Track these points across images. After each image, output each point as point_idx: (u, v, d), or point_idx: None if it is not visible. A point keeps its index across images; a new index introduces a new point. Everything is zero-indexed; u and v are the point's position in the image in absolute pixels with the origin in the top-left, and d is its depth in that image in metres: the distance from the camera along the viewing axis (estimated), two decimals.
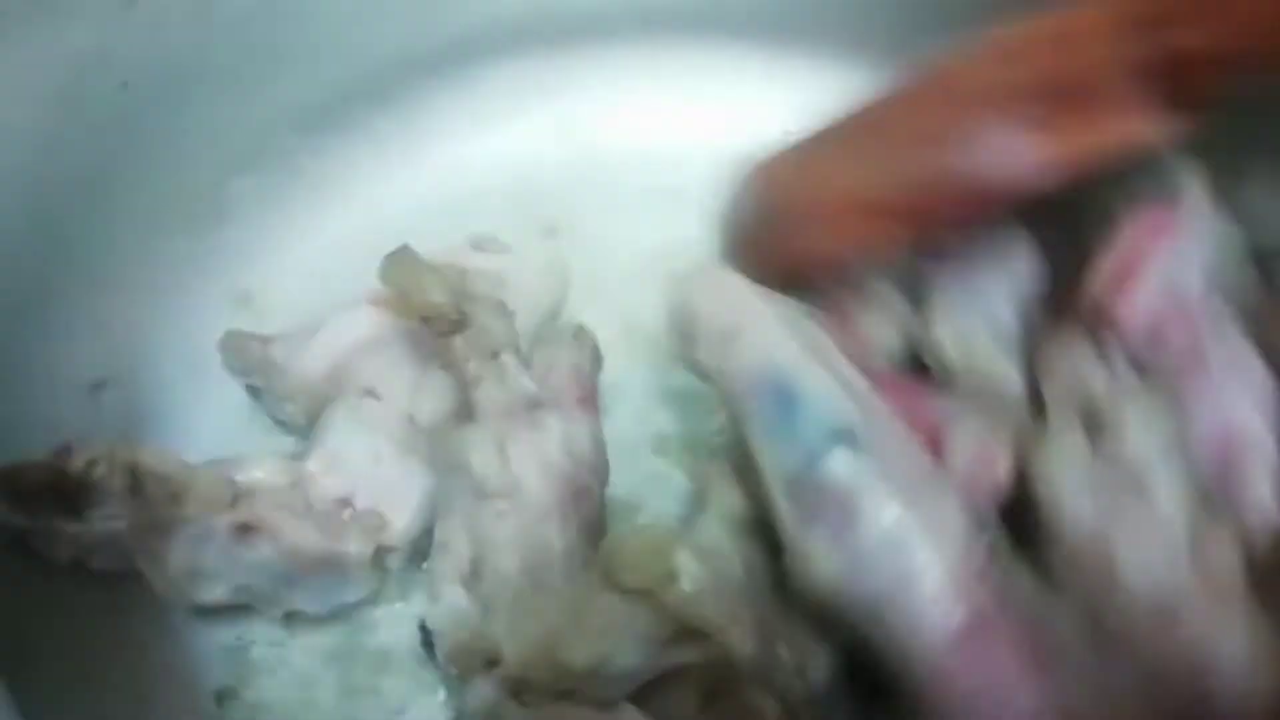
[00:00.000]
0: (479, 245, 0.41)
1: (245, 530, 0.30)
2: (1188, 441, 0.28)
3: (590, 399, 0.35)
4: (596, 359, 0.36)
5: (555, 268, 0.41)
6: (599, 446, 0.34)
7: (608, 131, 0.45)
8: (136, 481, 0.29)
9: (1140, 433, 0.28)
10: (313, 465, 0.33)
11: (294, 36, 0.41)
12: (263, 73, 0.41)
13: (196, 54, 0.38)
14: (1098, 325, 0.30)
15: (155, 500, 0.29)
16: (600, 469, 0.34)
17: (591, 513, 0.32)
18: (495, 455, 0.31)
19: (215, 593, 0.31)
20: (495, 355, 0.33)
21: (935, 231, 0.32)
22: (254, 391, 0.38)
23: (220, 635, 0.34)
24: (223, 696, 0.33)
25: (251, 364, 0.37)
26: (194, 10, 0.38)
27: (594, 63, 0.45)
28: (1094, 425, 0.29)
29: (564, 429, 0.33)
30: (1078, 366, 0.30)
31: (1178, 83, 0.27)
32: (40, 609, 0.32)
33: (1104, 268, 0.30)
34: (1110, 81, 0.27)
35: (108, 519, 0.31)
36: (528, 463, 0.31)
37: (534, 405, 0.33)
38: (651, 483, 0.37)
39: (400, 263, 0.33)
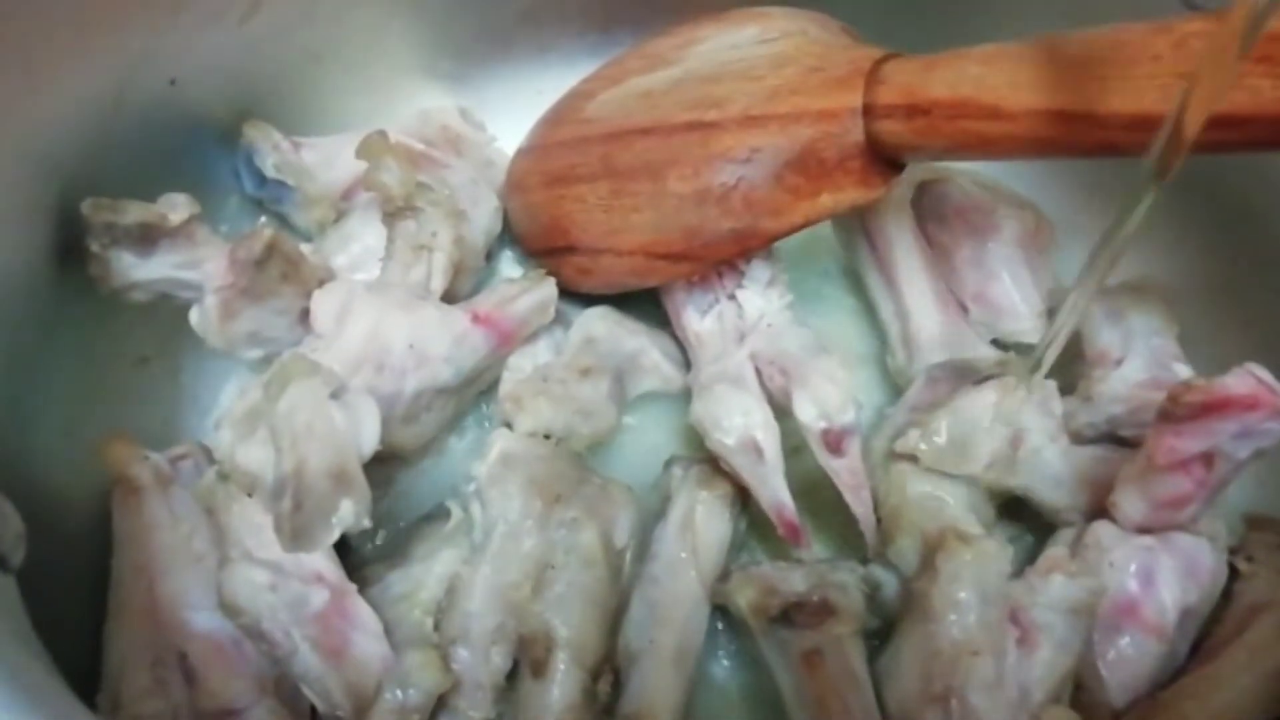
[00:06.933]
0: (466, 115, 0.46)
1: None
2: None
3: (508, 336, 0.37)
4: (541, 308, 0.38)
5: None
6: (464, 354, 0.35)
7: None
8: (267, 255, 0.33)
9: (1059, 590, 0.30)
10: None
11: None
12: None
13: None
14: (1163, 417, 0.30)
15: (270, 274, 0.34)
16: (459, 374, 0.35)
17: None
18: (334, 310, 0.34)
19: (255, 354, 0.36)
20: (429, 249, 0.36)
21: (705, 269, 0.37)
22: (273, 190, 0.41)
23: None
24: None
25: (283, 161, 0.40)
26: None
27: None
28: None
29: (440, 323, 0.35)
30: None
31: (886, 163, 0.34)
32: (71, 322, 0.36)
33: (1203, 388, 0.29)
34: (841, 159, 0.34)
35: (176, 266, 0.34)
36: (359, 323, 0.33)
37: (423, 298, 0.35)
38: None
39: (371, 141, 0.37)
